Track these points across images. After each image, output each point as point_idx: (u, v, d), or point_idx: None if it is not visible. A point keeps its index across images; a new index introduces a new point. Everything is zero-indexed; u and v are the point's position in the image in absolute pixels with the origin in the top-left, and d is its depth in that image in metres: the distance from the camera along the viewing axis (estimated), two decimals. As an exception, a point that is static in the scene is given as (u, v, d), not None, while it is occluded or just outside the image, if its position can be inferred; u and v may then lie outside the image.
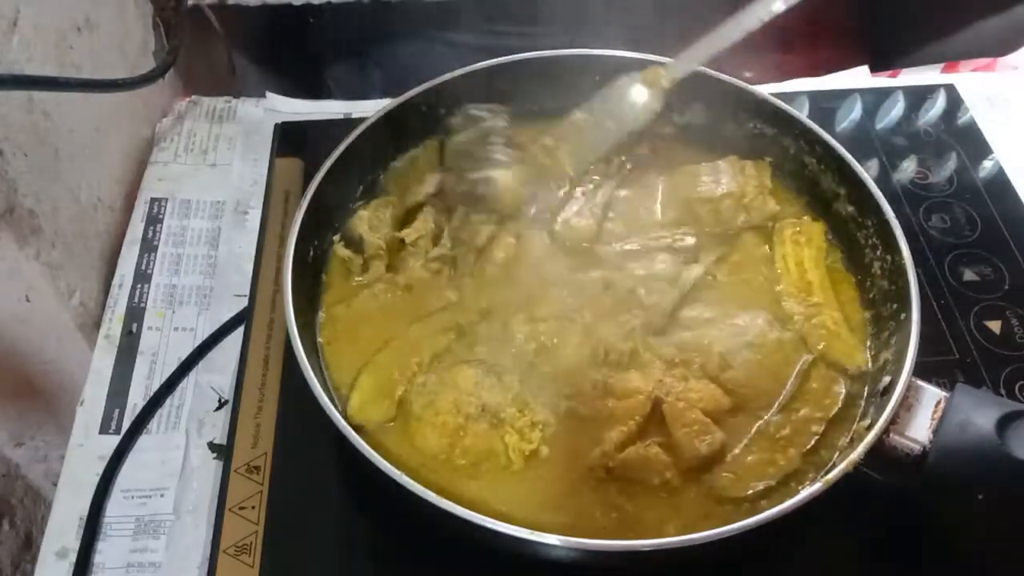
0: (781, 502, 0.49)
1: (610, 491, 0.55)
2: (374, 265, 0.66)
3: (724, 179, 0.69)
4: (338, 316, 0.64)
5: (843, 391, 0.59)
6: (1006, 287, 0.73)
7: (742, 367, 0.59)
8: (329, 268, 0.67)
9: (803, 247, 0.66)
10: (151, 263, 0.80)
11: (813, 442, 0.56)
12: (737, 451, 0.56)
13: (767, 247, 0.67)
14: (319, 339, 0.62)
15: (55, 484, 0.67)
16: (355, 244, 0.66)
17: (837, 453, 0.56)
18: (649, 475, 0.55)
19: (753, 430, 0.57)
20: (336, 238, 0.67)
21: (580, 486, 0.55)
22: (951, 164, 0.82)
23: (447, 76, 0.71)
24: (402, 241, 0.67)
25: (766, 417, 0.57)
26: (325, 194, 0.65)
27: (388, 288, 0.65)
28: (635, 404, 0.57)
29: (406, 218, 0.69)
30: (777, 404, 0.58)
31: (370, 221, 0.67)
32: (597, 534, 0.52)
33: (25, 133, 0.66)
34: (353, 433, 0.52)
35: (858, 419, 0.58)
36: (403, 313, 0.64)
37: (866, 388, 0.59)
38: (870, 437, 0.51)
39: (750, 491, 0.54)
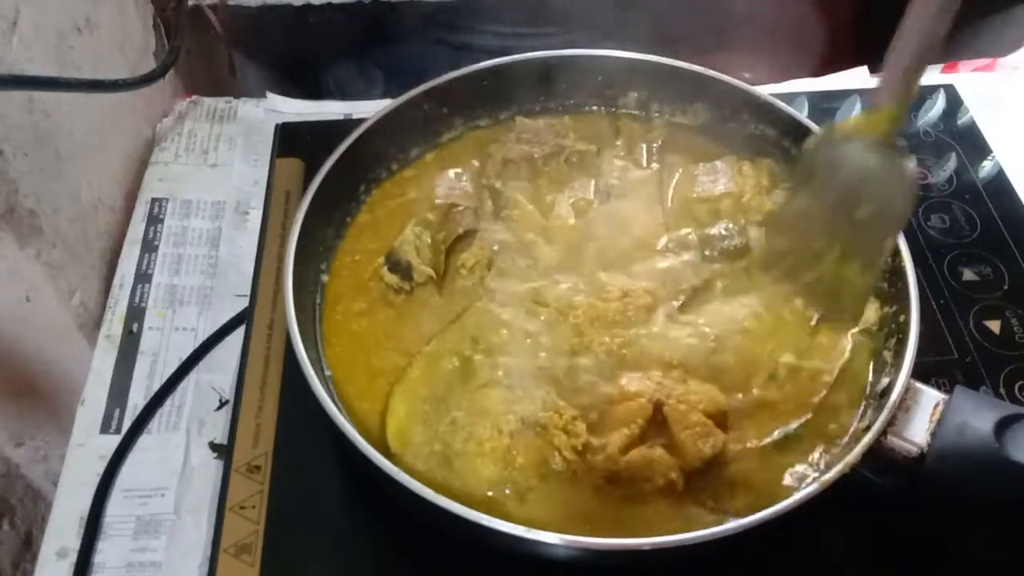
0: (785, 497, 0.50)
1: (613, 494, 0.55)
2: (418, 290, 0.64)
3: (722, 179, 0.69)
4: (339, 316, 0.64)
5: (851, 344, 0.59)
6: (1006, 287, 0.73)
7: (731, 351, 0.60)
8: (330, 268, 0.67)
9: None
10: (152, 263, 0.80)
11: (821, 396, 0.57)
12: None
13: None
14: (320, 339, 0.62)
15: (55, 484, 0.67)
16: (403, 270, 0.64)
17: (840, 432, 0.57)
18: (654, 477, 0.54)
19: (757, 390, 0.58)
20: (380, 261, 0.66)
21: (584, 488, 0.55)
22: (951, 164, 0.82)
23: (447, 76, 0.71)
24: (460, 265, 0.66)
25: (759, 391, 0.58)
26: (326, 194, 0.65)
27: (394, 293, 0.65)
28: (636, 407, 0.57)
29: (443, 225, 0.68)
30: (786, 363, 0.59)
31: (416, 245, 0.65)
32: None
33: (25, 133, 0.66)
34: (353, 431, 0.52)
35: (856, 420, 0.58)
36: (407, 314, 0.64)
37: (865, 389, 0.59)
38: (868, 438, 0.51)
39: (755, 442, 0.55)
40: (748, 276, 0.64)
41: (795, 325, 0.62)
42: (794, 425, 0.56)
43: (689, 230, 0.67)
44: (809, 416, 0.57)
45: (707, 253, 0.66)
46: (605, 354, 0.60)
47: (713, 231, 0.67)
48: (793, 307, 0.62)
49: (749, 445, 0.56)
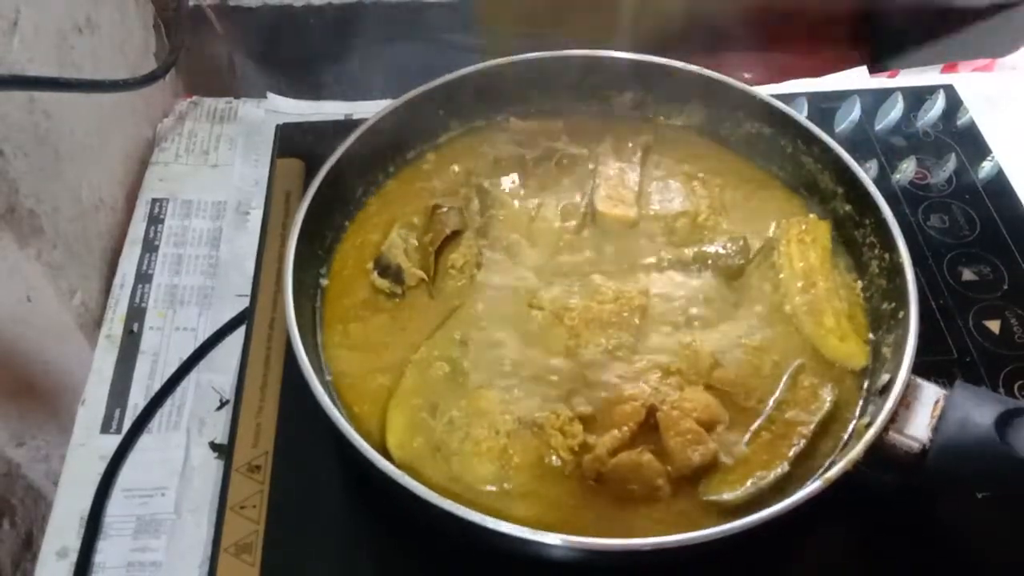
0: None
1: (600, 497, 0.55)
2: (411, 292, 0.64)
3: (676, 198, 0.70)
4: (339, 318, 0.64)
5: (831, 396, 0.58)
6: (1005, 287, 0.73)
7: (732, 365, 0.59)
8: (330, 268, 0.67)
9: (808, 247, 0.65)
10: (152, 263, 0.80)
11: (802, 445, 0.56)
12: (727, 459, 0.56)
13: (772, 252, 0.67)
14: (320, 339, 0.62)
15: (56, 484, 0.67)
16: (393, 275, 0.64)
17: (828, 460, 0.56)
18: (640, 482, 0.54)
19: (743, 437, 0.57)
20: (369, 267, 0.65)
21: (579, 488, 0.55)
22: (950, 164, 0.82)
23: (447, 77, 0.71)
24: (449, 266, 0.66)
25: (755, 425, 0.57)
26: (326, 194, 0.65)
27: (388, 296, 0.65)
28: (629, 411, 0.57)
29: (429, 227, 0.68)
30: (767, 409, 0.58)
31: (403, 248, 0.65)
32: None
33: (26, 133, 0.66)
34: (354, 434, 0.52)
35: (857, 418, 0.58)
36: (402, 316, 0.64)
37: (864, 386, 0.59)
38: (870, 435, 0.51)
39: (739, 492, 0.54)
40: (744, 293, 0.64)
41: (791, 343, 0.62)
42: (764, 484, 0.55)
43: (689, 246, 0.67)
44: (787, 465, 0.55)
45: (701, 270, 0.65)
46: (601, 356, 0.60)
47: (711, 248, 0.66)
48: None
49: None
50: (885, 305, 0.61)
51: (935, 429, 0.52)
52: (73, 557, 0.62)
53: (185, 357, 0.73)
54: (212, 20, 0.95)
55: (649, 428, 0.57)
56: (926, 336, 0.57)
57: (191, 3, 0.92)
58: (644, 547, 0.49)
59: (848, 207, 0.67)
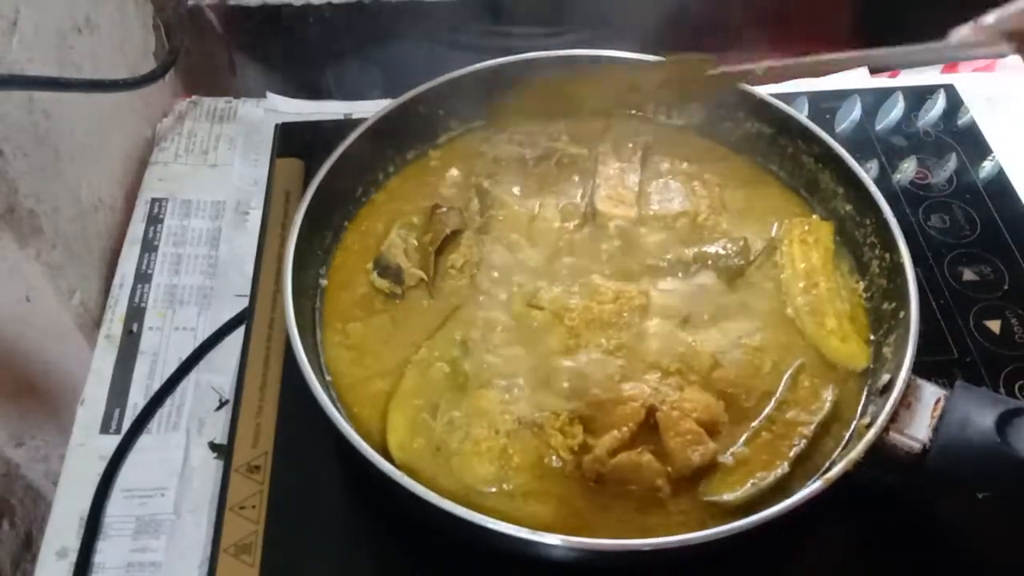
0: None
1: (600, 498, 0.55)
2: (411, 292, 0.64)
3: (676, 198, 0.69)
4: (338, 318, 0.64)
5: (831, 396, 0.58)
6: (1005, 287, 0.73)
7: (732, 366, 0.59)
8: (330, 268, 0.67)
9: (811, 248, 0.65)
10: (152, 263, 0.80)
11: (803, 445, 0.56)
12: (728, 458, 0.56)
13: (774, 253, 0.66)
14: (319, 339, 0.62)
15: (55, 484, 0.67)
16: (392, 275, 0.64)
17: (828, 460, 0.56)
18: (640, 483, 0.54)
19: (743, 437, 0.57)
20: (369, 267, 0.65)
21: (579, 488, 0.55)
22: (951, 164, 0.82)
23: (447, 76, 0.71)
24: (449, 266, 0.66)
25: (755, 425, 0.57)
26: (325, 194, 0.65)
27: (387, 296, 0.65)
28: (629, 411, 0.57)
29: (429, 227, 0.67)
30: (767, 409, 0.58)
31: (403, 248, 0.65)
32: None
33: (25, 133, 0.66)
34: (355, 434, 0.52)
35: (857, 418, 0.58)
36: (402, 316, 0.64)
37: (865, 387, 0.59)
38: (870, 435, 0.51)
39: (740, 493, 0.54)
40: (744, 293, 0.64)
41: (792, 344, 0.62)
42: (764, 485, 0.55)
43: (688, 246, 0.67)
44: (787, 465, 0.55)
45: (701, 270, 0.65)
46: (601, 356, 0.60)
47: (711, 248, 0.66)
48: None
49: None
50: (886, 305, 0.61)
51: (935, 429, 0.52)
52: (73, 557, 0.62)
53: (184, 357, 0.73)
54: (212, 20, 0.95)
55: (649, 428, 0.57)
56: (926, 336, 0.57)
57: (190, 3, 0.92)
58: (644, 547, 0.49)
59: (848, 207, 0.67)
